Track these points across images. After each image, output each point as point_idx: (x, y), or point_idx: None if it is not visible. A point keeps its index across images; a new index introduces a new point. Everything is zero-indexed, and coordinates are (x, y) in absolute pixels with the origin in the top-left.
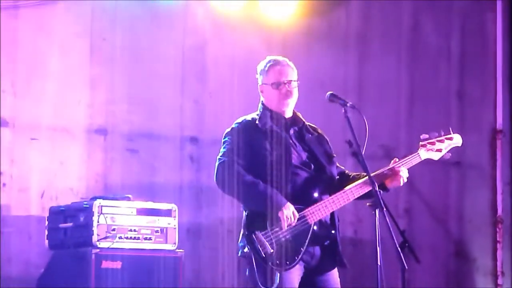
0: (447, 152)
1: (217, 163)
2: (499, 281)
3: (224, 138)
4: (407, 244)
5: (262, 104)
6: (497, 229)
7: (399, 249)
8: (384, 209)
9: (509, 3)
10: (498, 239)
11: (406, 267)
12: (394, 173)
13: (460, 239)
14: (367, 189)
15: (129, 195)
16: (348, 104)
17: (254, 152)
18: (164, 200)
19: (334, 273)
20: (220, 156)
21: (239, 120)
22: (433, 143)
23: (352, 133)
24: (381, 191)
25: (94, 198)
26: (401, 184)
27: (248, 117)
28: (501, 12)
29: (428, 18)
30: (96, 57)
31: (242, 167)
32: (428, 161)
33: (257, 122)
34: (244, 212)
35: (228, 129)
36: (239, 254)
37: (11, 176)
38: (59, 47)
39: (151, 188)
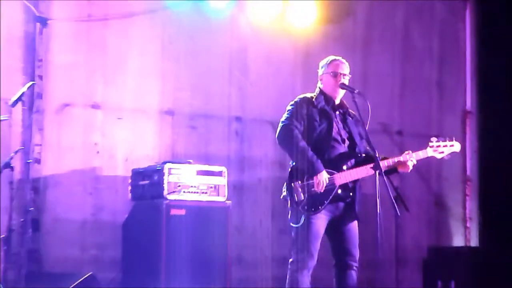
0: (447, 154)
1: (280, 125)
2: (468, 224)
3: (288, 107)
4: (399, 197)
5: (319, 88)
6: (466, 185)
7: (393, 200)
8: (383, 170)
9: (475, 16)
10: (467, 193)
11: (399, 214)
12: (405, 162)
13: (439, 193)
14: (383, 167)
15: (191, 160)
16: (355, 91)
17: (307, 121)
18: (216, 164)
19: (354, 224)
20: (283, 120)
21: (301, 96)
22: (438, 146)
23: (358, 113)
24: (394, 173)
25: (165, 163)
26: (409, 171)
27: (308, 95)
28: (469, 22)
29: (416, 25)
30: (165, 56)
31: (298, 130)
32: (416, 135)
33: (313, 99)
34: (290, 165)
35: (292, 101)
36: (281, 197)
37: (103, 146)
38: (138, 49)
39: (206, 155)
